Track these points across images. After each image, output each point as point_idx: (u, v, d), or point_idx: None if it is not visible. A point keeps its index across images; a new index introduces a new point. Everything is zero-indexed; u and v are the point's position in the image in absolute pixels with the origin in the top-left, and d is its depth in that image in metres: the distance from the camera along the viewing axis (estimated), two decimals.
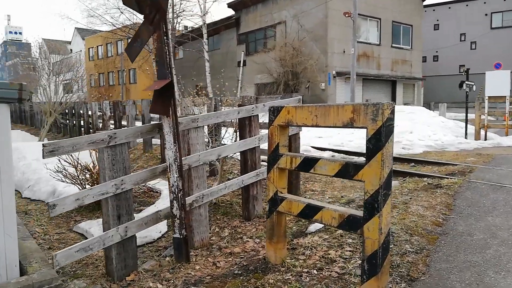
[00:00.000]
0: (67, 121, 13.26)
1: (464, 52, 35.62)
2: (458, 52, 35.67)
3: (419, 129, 11.29)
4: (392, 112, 2.44)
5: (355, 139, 10.17)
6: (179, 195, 3.39)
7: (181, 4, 31.36)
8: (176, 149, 3.34)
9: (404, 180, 5.60)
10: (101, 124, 11.46)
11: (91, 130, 11.53)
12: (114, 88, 41.59)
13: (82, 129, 12.52)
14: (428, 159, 7.41)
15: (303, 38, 20.56)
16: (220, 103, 6.97)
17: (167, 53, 3.28)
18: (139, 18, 31.28)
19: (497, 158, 7.13)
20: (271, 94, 21.96)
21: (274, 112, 3.22)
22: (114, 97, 42.32)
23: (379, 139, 2.37)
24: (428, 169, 6.50)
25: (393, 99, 23.20)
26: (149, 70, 33.34)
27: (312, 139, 10.32)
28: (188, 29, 32.70)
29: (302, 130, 5.53)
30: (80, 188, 5.10)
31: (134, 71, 42.25)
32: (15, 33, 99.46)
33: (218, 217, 4.67)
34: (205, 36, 27.94)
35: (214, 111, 6.76)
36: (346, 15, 15.48)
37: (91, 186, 5.00)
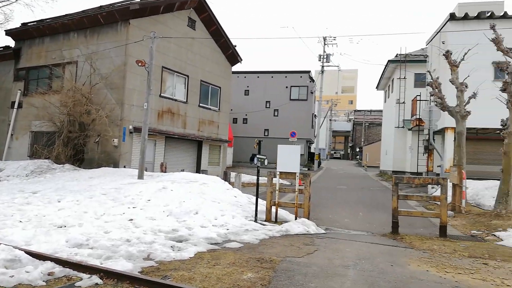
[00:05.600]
0: None
1: (269, 117, 38.83)
2: (263, 117, 38.66)
3: (207, 209, 9.25)
4: None
5: (114, 230, 7.22)
6: None
7: None
8: None
9: None
10: None
11: None
12: None
13: None
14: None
15: (95, 83, 17.20)
16: None
17: None
18: None
19: (279, 270, 5.36)
20: (51, 146, 17.35)
21: None
22: None
23: None
24: None
25: (198, 159, 21.81)
26: None
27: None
28: None
29: None
30: None
31: None
32: None
33: None
34: None
35: None
36: (139, 64, 13.13)
37: None
